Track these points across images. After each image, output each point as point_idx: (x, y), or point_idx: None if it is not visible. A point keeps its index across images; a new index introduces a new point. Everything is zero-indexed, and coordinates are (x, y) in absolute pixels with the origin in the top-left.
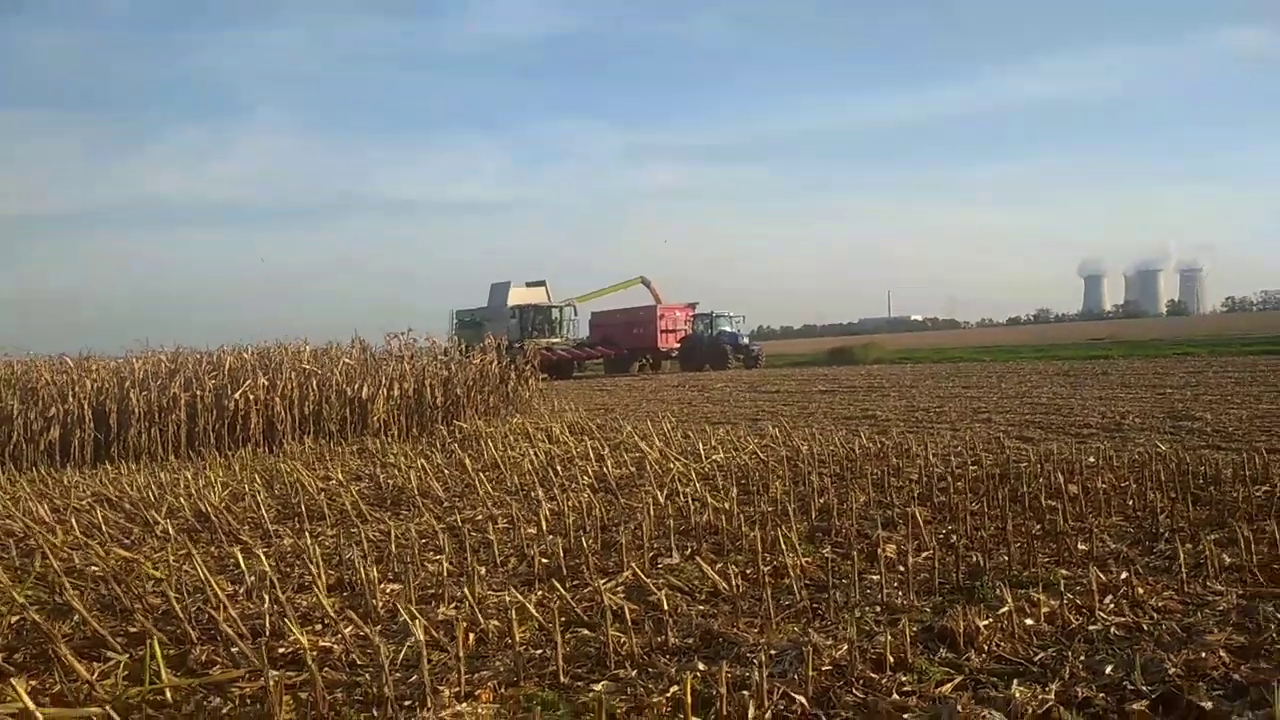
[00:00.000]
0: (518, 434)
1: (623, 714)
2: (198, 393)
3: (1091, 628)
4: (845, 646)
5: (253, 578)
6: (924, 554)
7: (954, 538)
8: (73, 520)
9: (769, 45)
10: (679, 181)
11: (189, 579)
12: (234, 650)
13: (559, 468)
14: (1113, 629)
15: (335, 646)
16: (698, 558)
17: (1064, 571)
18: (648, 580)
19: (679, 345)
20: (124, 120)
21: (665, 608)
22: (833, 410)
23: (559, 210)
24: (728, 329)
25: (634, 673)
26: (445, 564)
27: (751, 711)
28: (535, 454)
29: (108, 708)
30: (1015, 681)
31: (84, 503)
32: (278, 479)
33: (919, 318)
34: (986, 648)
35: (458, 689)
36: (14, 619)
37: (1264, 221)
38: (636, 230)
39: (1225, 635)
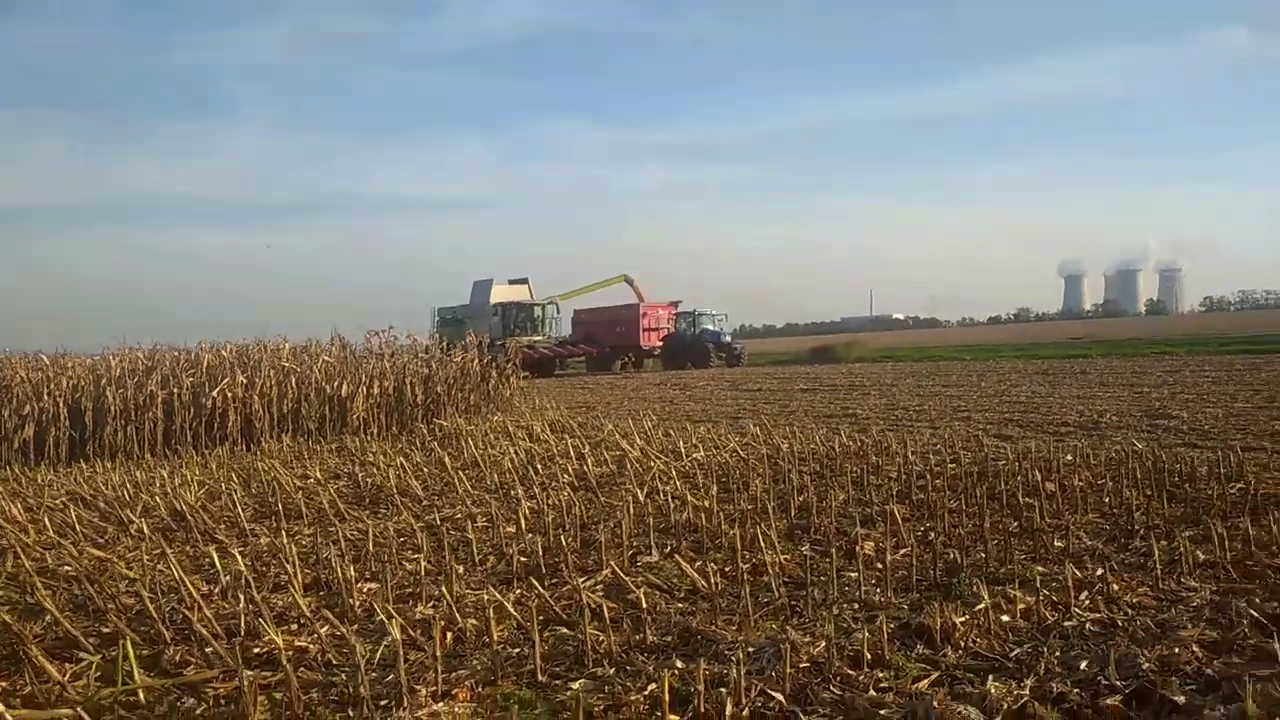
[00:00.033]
0: (498, 432)
1: (600, 712)
2: (175, 390)
3: (1067, 624)
4: (823, 644)
5: (228, 577)
6: (902, 551)
7: (932, 535)
8: (46, 519)
9: (760, 44)
10: (661, 180)
11: (163, 579)
12: (208, 650)
13: (539, 466)
14: (1088, 625)
15: (311, 646)
16: (677, 556)
17: (1040, 568)
18: (627, 578)
19: (661, 343)
20: (107, 117)
21: (644, 606)
22: (814, 408)
23: (544, 208)
24: (710, 327)
25: (612, 671)
26: (423, 563)
27: (729, 709)
28: (515, 452)
29: (79, 709)
30: (991, 677)
31: (58, 502)
32: (255, 477)
33: (901, 316)
34: (963, 644)
35: (435, 688)
36: None
37: (1251, 222)
38: (621, 228)
39: (1198, 631)
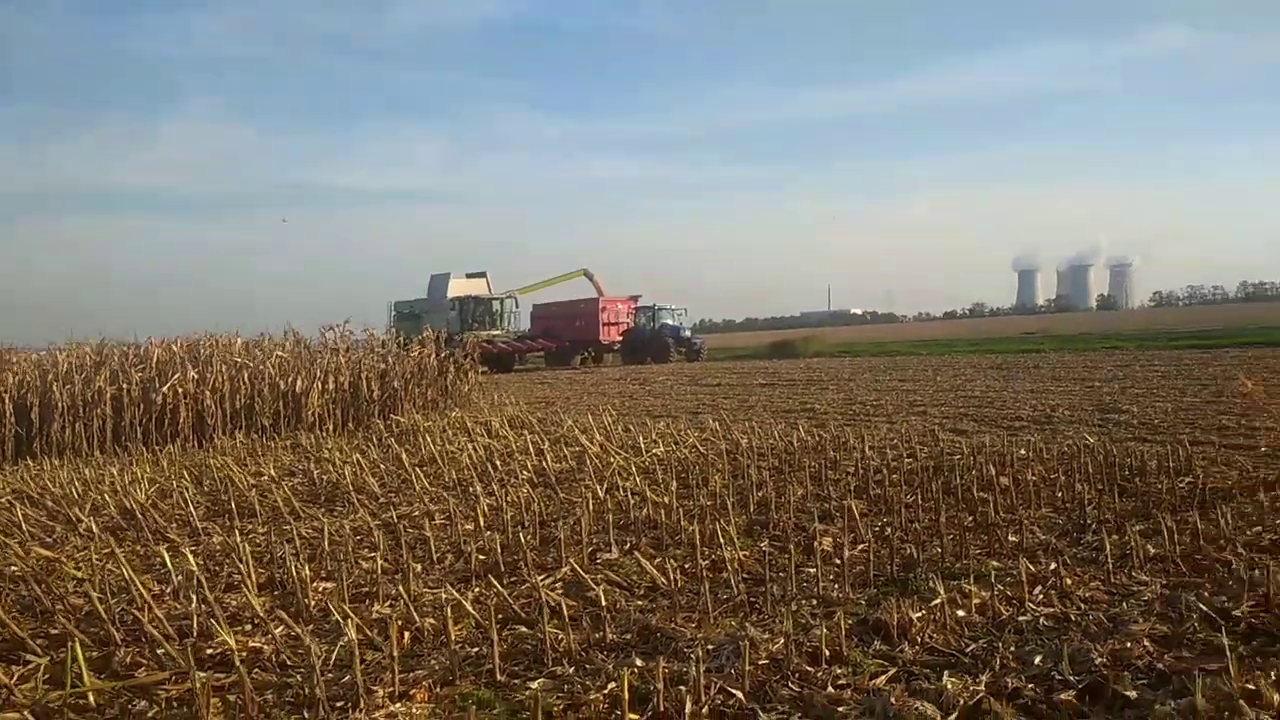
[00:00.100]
0: (456, 428)
1: (560, 712)
2: (124, 386)
3: (1021, 618)
4: (782, 640)
5: (180, 577)
6: (860, 547)
7: (889, 530)
8: None
9: (717, 38)
10: (621, 173)
11: (113, 579)
12: (160, 652)
13: (498, 462)
14: (1042, 619)
15: (265, 647)
16: (637, 553)
17: (995, 563)
18: (586, 576)
19: (621, 338)
20: (51, 106)
21: (603, 604)
22: (772, 403)
23: (500, 200)
24: (670, 322)
25: (571, 670)
26: (380, 561)
27: (689, 707)
28: (474, 449)
29: (26, 712)
30: (947, 673)
31: (3, 500)
32: (207, 475)
33: (858, 311)
34: (919, 639)
35: (392, 689)
36: None
37: (1197, 218)
38: (578, 221)
39: (1149, 625)
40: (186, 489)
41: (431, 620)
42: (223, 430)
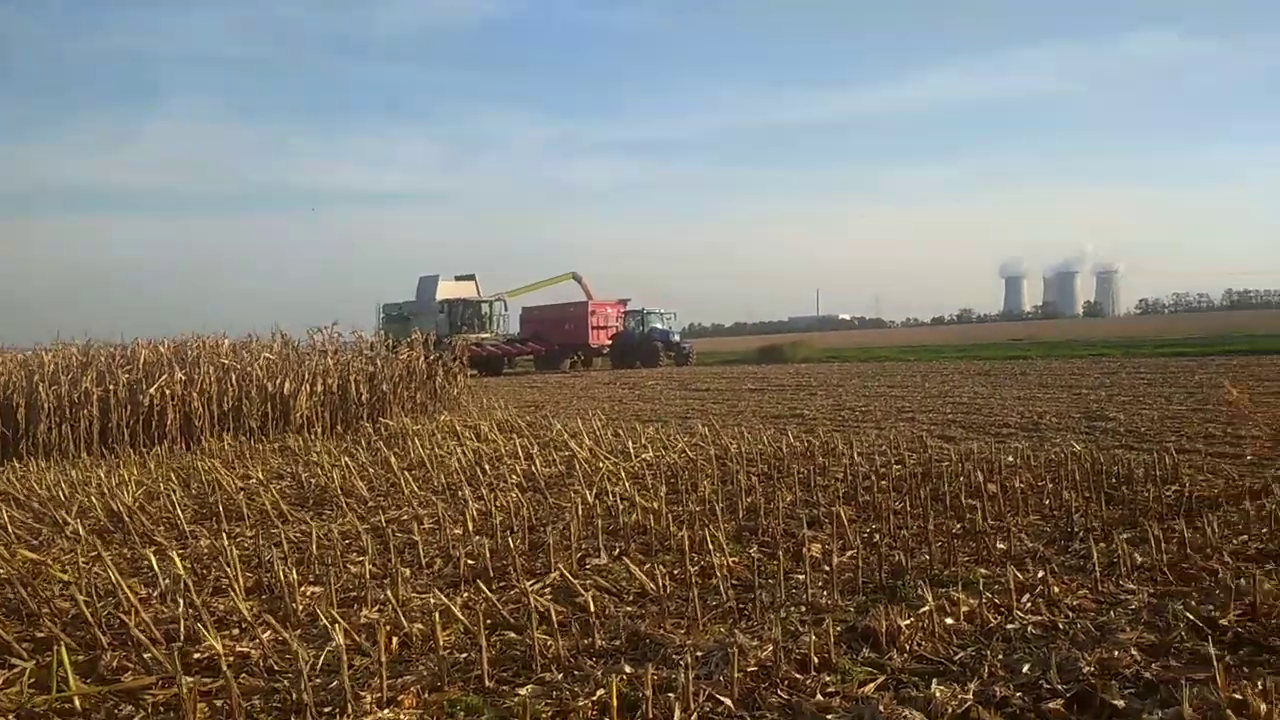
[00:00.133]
0: (445, 432)
1: (548, 718)
2: (110, 387)
3: (1009, 626)
4: (770, 647)
5: (167, 580)
6: (848, 553)
7: (877, 537)
8: None
9: (707, 41)
10: (609, 176)
11: (100, 582)
12: (146, 656)
13: (487, 466)
14: (1030, 628)
15: (253, 651)
16: (626, 558)
17: (983, 570)
18: (575, 581)
19: (610, 342)
20: (34, 102)
21: (592, 609)
22: (761, 409)
23: (490, 202)
24: (659, 326)
25: (560, 676)
26: (368, 566)
27: (677, 714)
28: (463, 452)
29: (12, 717)
30: (935, 681)
31: None
32: (195, 477)
33: (846, 316)
34: (908, 647)
35: (380, 694)
36: None
37: (1185, 224)
38: (568, 224)
39: (1137, 634)
40: (174, 491)
41: (420, 625)
42: (210, 432)
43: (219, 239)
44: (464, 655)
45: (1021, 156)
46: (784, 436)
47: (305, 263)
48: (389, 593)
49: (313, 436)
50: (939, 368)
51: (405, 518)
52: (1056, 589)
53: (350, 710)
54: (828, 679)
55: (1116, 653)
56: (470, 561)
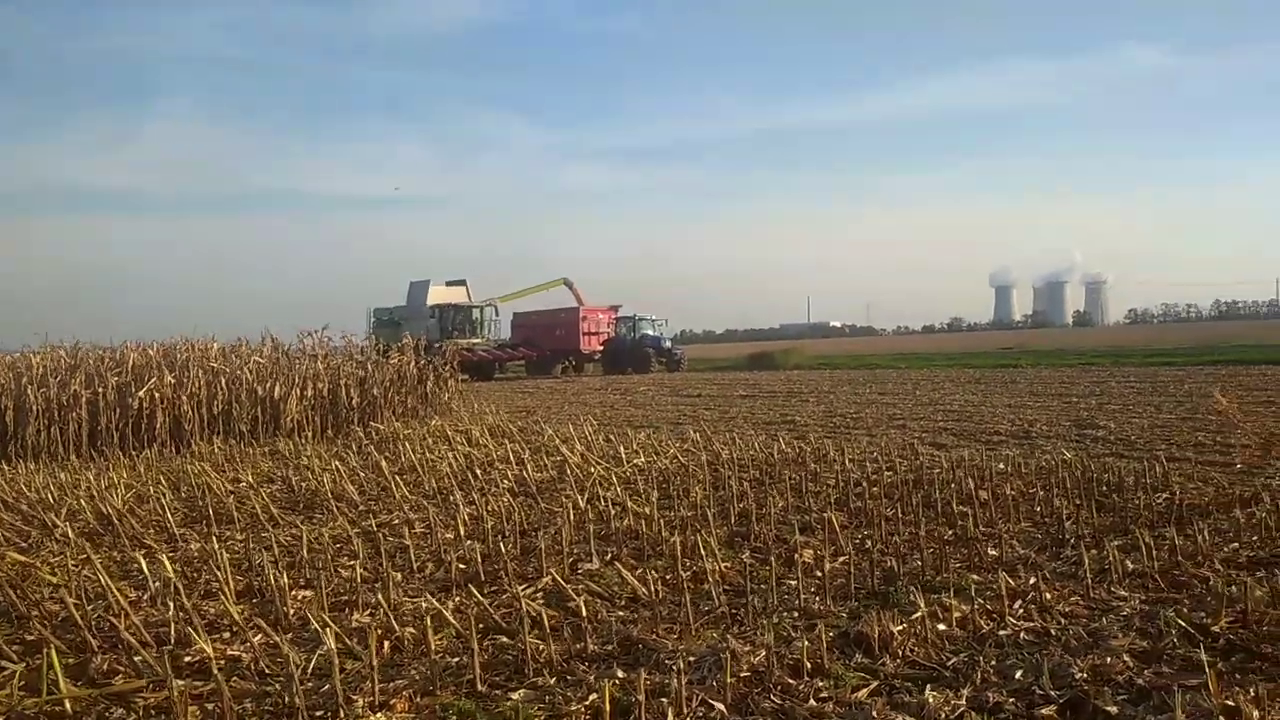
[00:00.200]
0: (436, 436)
1: None
2: (100, 390)
3: (1002, 633)
4: (763, 653)
5: (157, 583)
6: (840, 559)
7: (869, 543)
8: None
9: (698, 48)
10: (603, 181)
11: (90, 585)
12: (137, 659)
13: (478, 471)
14: (1022, 634)
15: (244, 655)
16: (618, 563)
17: (975, 577)
18: (567, 586)
19: (601, 348)
20: (32, 102)
21: (584, 614)
22: (753, 415)
23: (481, 208)
24: (650, 332)
25: (553, 681)
26: (360, 570)
27: (670, 719)
28: (454, 457)
29: (2, 719)
30: (929, 687)
31: None
32: (184, 481)
33: (838, 324)
34: (901, 653)
35: (372, 699)
36: None
37: (1172, 236)
38: (560, 230)
39: (1129, 640)
40: (164, 495)
41: (411, 630)
42: (200, 436)
43: (213, 241)
44: (456, 660)
45: (1013, 166)
46: (776, 443)
47: (301, 265)
48: (380, 597)
49: (303, 440)
50: (930, 375)
51: (396, 522)
52: (1049, 595)
53: (342, 714)
54: (821, 684)
55: (1109, 659)
56: (462, 566)
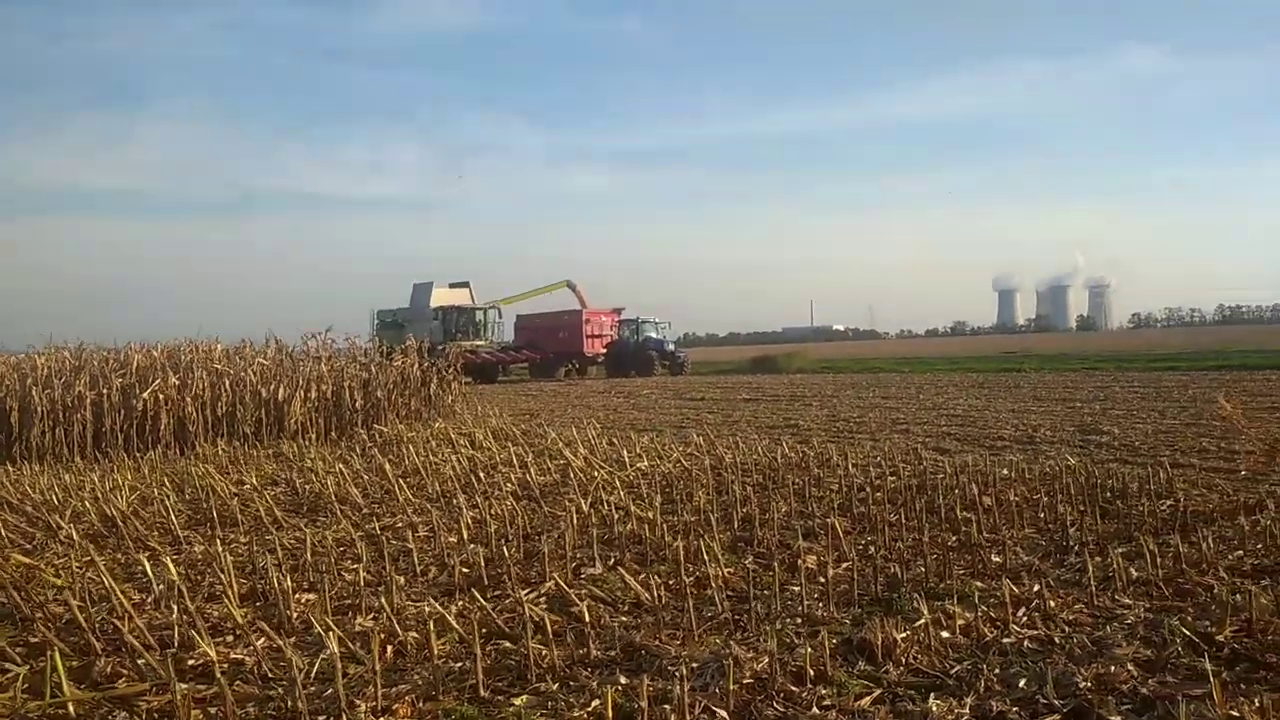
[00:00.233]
0: (440, 439)
1: None
2: (104, 392)
3: (1005, 640)
4: (766, 659)
5: (161, 586)
6: (844, 565)
7: (873, 549)
8: None
9: (701, 52)
10: (605, 184)
11: (93, 587)
12: (140, 662)
13: (481, 474)
14: (1026, 642)
15: (247, 659)
16: (621, 568)
17: (979, 583)
18: (570, 591)
19: (605, 350)
20: (18, 104)
21: (587, 619)
22: (756, 419)
23: (483, 210)
24: (654, 335)
25: (555, 686)
26: (363, 573)
27: None
28: (457, 460)
29: None
30: (932, 695)
31: None
32: (189, 483)
33: (840, 327)
34: (904, 660)
35: (374, 703)
36: None
37: (1177, 239)
38: (562, 232)
39: (1133, 649)
40: (168, 497)
41: (414, 634)
42: (204, 437)
43: (210, 243)
44: (459, 664)
45: (1016, 169)
46: (779, 447)
47: (298, 267)
48: (383, 601)
49: (307, 443)
50: (933, 379)
51: (400, 525)
52: (1052, 603)
53: (345, 719)
54: (824, 692)
55: (1113, 668)
56: (465, 570)
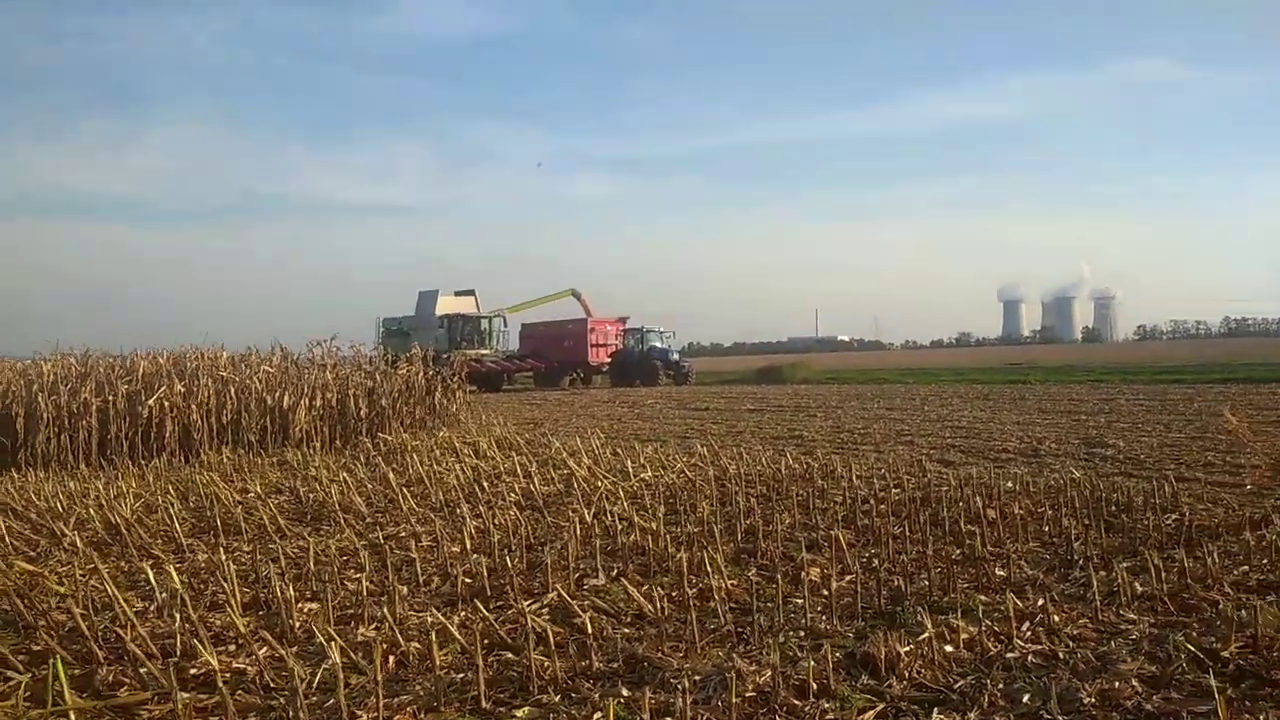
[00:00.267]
0: (444, 448)
1: None
2: (109, 398)
3: (1009, 655)
4: (769, 672)
5: (164, 594)
6: (847, 578)
7: (876, 562)
8: None
9: (705, 60)
10: (610, 192)
11: (96, 595)
12: (142, 671)
13: (485, 484)
14: (1030, 656)
15: (249, 668)
16: (624, 579)
17: (983, 597)
18: (573, 602)
19: (609, 360)
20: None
21: (590, 630)
22: (761, 429)
23: (487, 217)
24: (658, 345)
25: (557, 698)
26: (366, 583)
27: None
28: (461, 469)
29: None
30: (935, 709)
31: None
32: (193, 491)
33: (845, 338)
34: (907, 674)
35: (376, 714)
36: None
37: (1182, 252)
38: (566, 240)
39: (1138, 665)
40: (172, 504)
41: (417, 644)
42: (209, 445)
43: (211, 249)
44: (461, 675)
45: (1021, 180)
46: (783, 458)
47: (300, 274)
48: (386, 610)
49: (311, 451)
50: (938, 391)
51: (403, 535)
52: (1057, 617)
53: None
54: (826, 706)
55: (1117, 683)
56: (468, 580)
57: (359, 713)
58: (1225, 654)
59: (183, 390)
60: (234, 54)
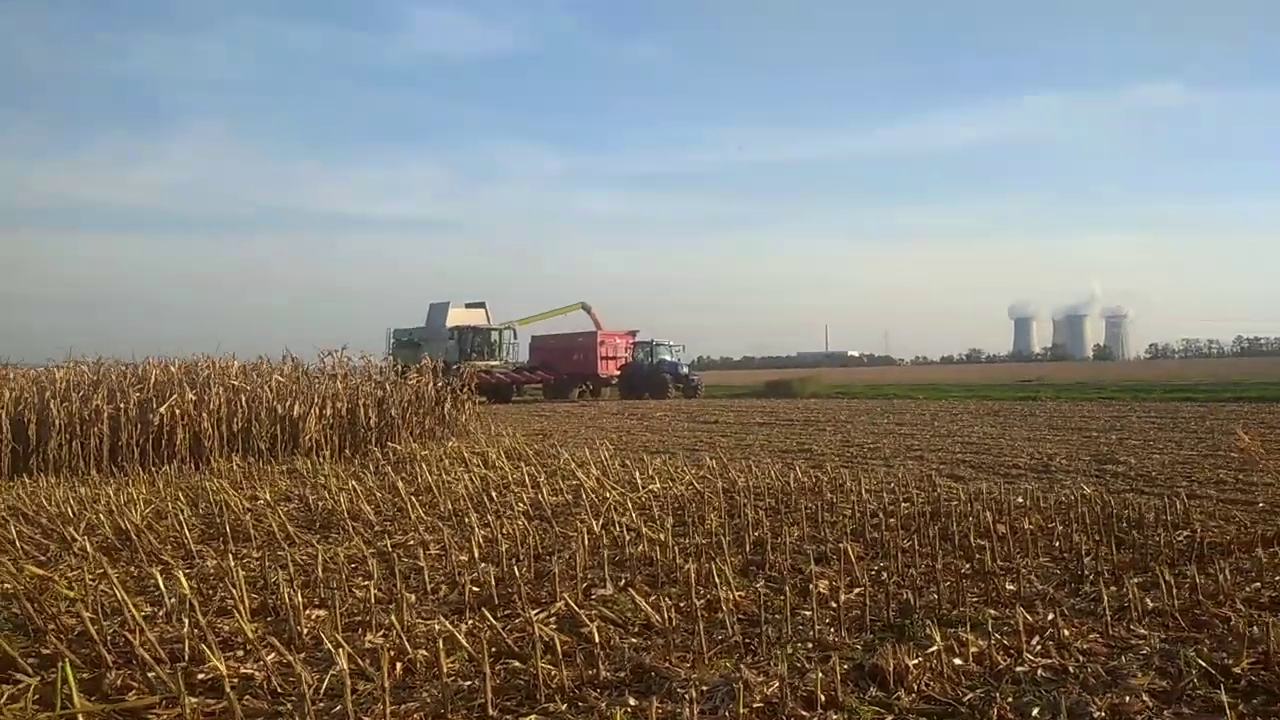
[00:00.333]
0: (453, 458)
1: None
2: (121, 406)
3: (1019, 669)
4: (776, 683)
5: (173, 600)
6: (856, 590)
7: (885, 575)
8: None
9: (716, 78)
10: (619, 207)
11: (106, 599)
12: (151, 675)
13: (494, 494)
14: (1039, 671)
15: (256, 674)
16: (631, 589)
17: (992, 611)
18: (580, 611)
19: (619, 372)
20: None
21: (597, 640)
22: (770, 443)
23: (498, 232)
24: (668, 358)
25: (564, 707)
26: (374, 590)
27: None
28: (470, 479)
29: None
30: None
31: None
32: (203, 497)
33: (855, 353)
34: (916, 687)
35: None
36: None
37: (1193, 271)
38: (577, 254)
39: (1148, 680)
40: (182, 511)
41: (424, 652)
42: (219, 453)
43: (224, 260)
44: (468, 683)
45: (1032, 199)
46: (792, 471)
47: (315, 286)
48: (394, 618)
49: (321, 459)
50: (948, 406)
51: (411, 543)
52: (1067, 632)
53: None
54: (834, 717)
55: (1128, 698)
56: (475, 589)
57: (366, 719)
58: (1237, 669)
59: (194, 399)
60: (249, 70)
